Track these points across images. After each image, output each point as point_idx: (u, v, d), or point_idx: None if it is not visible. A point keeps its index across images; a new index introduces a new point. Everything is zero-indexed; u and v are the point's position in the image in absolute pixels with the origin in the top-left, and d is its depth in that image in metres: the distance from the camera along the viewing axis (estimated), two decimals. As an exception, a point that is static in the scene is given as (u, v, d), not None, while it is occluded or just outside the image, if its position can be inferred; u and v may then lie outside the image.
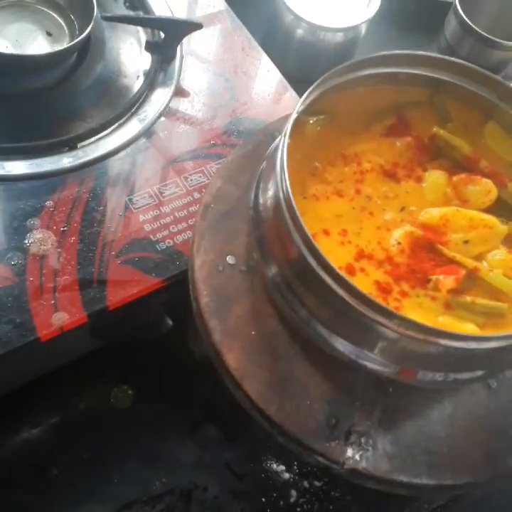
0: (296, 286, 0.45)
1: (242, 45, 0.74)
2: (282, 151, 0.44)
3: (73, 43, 0.61)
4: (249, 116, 0.67)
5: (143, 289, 0.54)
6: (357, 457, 0.44)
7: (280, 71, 0.73)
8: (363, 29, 0.81)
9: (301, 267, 0.43)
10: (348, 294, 0.41)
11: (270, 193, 0.47)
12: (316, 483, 0.60)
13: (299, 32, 0.79)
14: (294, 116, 0.46)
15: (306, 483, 0.60)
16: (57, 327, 0.51)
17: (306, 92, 0.47)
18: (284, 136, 0.45)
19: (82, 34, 0.62)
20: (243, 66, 0.72)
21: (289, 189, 0.42)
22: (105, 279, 0.54)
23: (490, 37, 0.79)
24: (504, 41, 0.79)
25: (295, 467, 0.61)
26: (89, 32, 0.62)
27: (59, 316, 0.52)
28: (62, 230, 0.56)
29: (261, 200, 0.49)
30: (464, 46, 0.83)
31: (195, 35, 0.70)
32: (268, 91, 0.71)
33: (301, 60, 0.82)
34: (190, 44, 0.72)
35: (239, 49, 0.73)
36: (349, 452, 0.44)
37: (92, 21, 0.63)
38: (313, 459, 0.45)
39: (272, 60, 0.74)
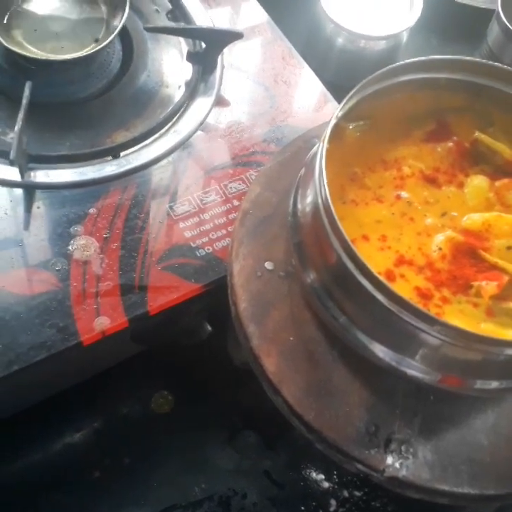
0: (335, 292, 0.45)
1: (283, 54, 0.74)
2: (321, 156, 0.44)
3: (95, 49, 0.63)
4: (289, 124, 0.68)
5: (182, 294, 0.55)
6: (397, 465, 0.43)
7: (321, 80, 0.73)
8: (404, 37, 0.81)
9: (340, 272, 0.43)
10: (388, 300, 0.41)
11: (309, 198, 0.47)
12: (356, 492, 0.60)
13: (340, 41, 0.80)
14: (333, 122, 0.46)
15: (345, 493, 0.60)
16: (99, 331, 0.52)
17: (345, 98, 0.47)
18: (323, 141, 0.45)
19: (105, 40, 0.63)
20: (283, 75, 0.72)
21: (328, 194, 0.42)
22: (146, 284, 0.55)
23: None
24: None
25: (335, 476, 0.60)
26: (116, 37, 0.64)
27: (101, 320, 0.52)
28: (105, 237, 0.57)
29: (299, 206, 0.49)
30: (508, 53, 0.82)
31: (236, 45, 0.71)
32: (308, 99, 0.71)
33: (341, 69, 0.82)
34: (231, 54, 0.72)
35: (279, 58, 0.74)
36: (389, 460, 0.43)
37: (119, 26, 0.64)
38: (352, 466, 0.44)
39: (313, 69, 0.74)
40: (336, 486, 0.60)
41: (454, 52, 0.53)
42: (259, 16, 0.77)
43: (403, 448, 0.44)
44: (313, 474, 0.61)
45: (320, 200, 0.44)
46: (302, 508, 0.59)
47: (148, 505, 0.58)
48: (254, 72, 0.72)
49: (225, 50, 0.71)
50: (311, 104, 0.71)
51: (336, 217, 0.42)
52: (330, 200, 0.42)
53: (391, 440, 0.44)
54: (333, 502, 0.60)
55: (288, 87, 0.71)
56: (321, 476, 0.60)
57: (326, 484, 0.60)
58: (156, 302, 0.54)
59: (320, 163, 0.44)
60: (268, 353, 0.46)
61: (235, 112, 0.68)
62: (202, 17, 0.74)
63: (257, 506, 0.59)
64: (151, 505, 0.58)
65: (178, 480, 0.60)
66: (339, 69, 0.83)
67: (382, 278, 0.41)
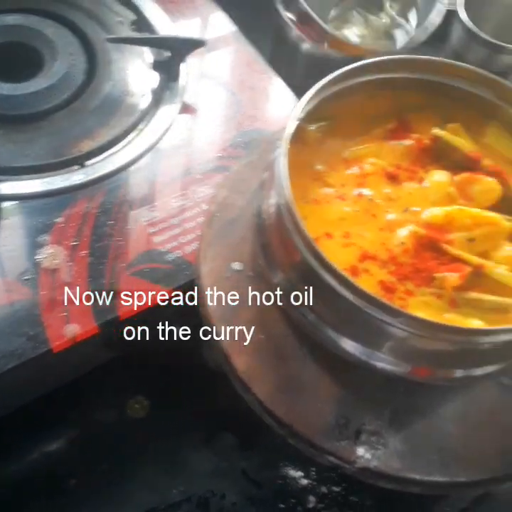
0: (301, 290, 0.46)
1: (248, 60, 0.75)
2: (282, 157, 0.45)
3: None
4: (255, 129, 0.69)
5: (152, 298, 0.55)
6: (368, 456, 0.44)
7: (289, 85, 0.74)
8: (368, 40, 0.82)
9: (304, 270, 0.43)
10: (353, 295, 0.41)
11: (272, 199, 0.48)
12: (335, 488, 0.60)
13: (305, 45, 0.80)
14: (291, 123, 0.47)
15: (324, 489, 0.60)
16: (69, 338, 0.52)
17: (302, 100, 0.48)
18: (282, 143, 0.45)
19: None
20: (249, 81, 0.73)
21: (289, 194, 0.43)
22: (116, 290, 0.55)
23: (496, 42, 0.78)
24: (510, 45, 0.78)
25: (313, 473, 0.61)
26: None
27: (71, 327, 0.53)
28: (73, 245, 0.57)
29: (264, 207, 0.49)
30: (471, 53, 0.82)
31: (203, 54, 0.72)
32: (274, 103, 0.72)
33: (309, 74, 0.83)
34: (197, 63, 0.73)
35: (244, 65, 0.74)
36: (360, 451, 0.44)
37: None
38: (324, 459, 0.45)
39: (281, 75, 0.75)
40: (314, 483, 0.60)
41: (420, 54, 0.54)
42: (226, 26, 0.78)
43: (374, 439, 0.44)
44: (291, 472, 0.61)
45: (282, 200, 0.44)
46: (281, 505, 0.59)
47: (127, 509, 0.58)
48: (220, 79, 0.73)
49: (191, 59, 0.71)
50: (278, 108, 0.72)
51: (298, 216, 0.42)
52: (292, 200, 0.43)
53: (361, 432, 0.44)
54: (312, 498, 0.60)
55: (254, 93, 0.72)
56: (299, 473, 0.61)
57: (304, 481, 0.60)
58: (126, 307, 0.54)
59: (281, 164, 0.45)
60: (238, 352, 0.47)
61: (202, 118, 0.69)
62: (167, 27, 0.74)
63: (236, 506, 0.59)
64: (129, 509, 0.58)
65: (156, 483, 0.60)
66: (307, 74, 0.83)
67: (345, 273, 0.41)
